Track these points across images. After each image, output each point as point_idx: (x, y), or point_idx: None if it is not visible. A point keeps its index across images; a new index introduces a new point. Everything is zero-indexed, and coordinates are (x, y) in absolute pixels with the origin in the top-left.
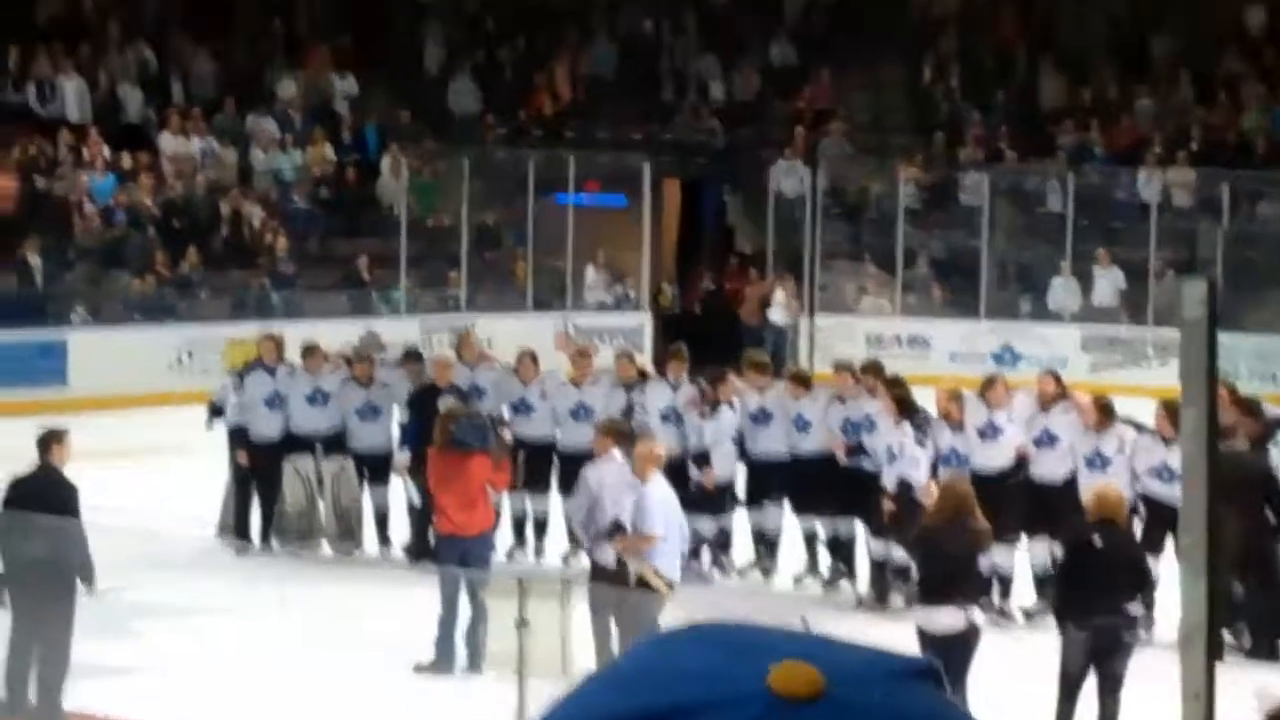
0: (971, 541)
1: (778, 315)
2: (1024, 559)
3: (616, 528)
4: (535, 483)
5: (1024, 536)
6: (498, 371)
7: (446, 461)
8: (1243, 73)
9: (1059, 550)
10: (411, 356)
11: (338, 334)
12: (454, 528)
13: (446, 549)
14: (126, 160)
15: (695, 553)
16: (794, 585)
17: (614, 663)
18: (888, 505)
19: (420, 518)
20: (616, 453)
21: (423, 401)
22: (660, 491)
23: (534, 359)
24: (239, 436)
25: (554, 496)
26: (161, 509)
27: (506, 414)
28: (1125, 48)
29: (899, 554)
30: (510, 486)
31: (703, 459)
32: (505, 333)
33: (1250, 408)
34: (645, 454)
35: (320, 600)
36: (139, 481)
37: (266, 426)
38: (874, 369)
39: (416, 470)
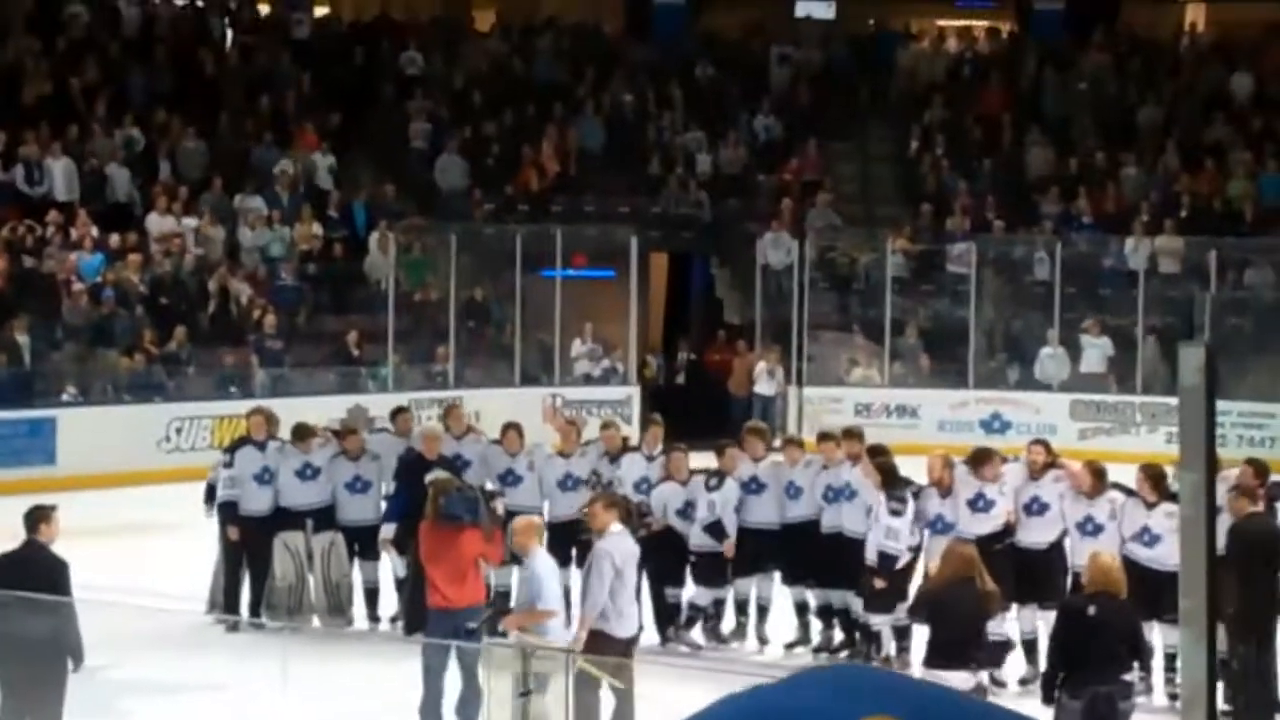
0: (980, 603)
1: (763, 386)
2: (1012, 626)
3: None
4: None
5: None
6: (484, 444)
7: (437, 535)
8: (1229, 140)
9: (1047, 617)
10: (402, 411)
11: (326, 410)
12: (444, 601)
13: (436, 623)
14: (114, 239)
15: (690, 623)
16: (785, 653)
17: (748, 692)
18: (879, 583)
19: (412, 590)
20: (617, 525)
21: (410, 473)
22: (546, 563)
23: (519, 431)
24: (229, 512)
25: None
26: (151, 586)
27: (492, 486)
28: (1111, 116)
29: (879, 621)
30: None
31: (717, 530)
32: (494, 407)
33: (1260, 470)
34: (525, 526)
35: (313, 675)
36: (128, 559)
37: (256, 502)
38: (854, 435)
39: (405, 542)
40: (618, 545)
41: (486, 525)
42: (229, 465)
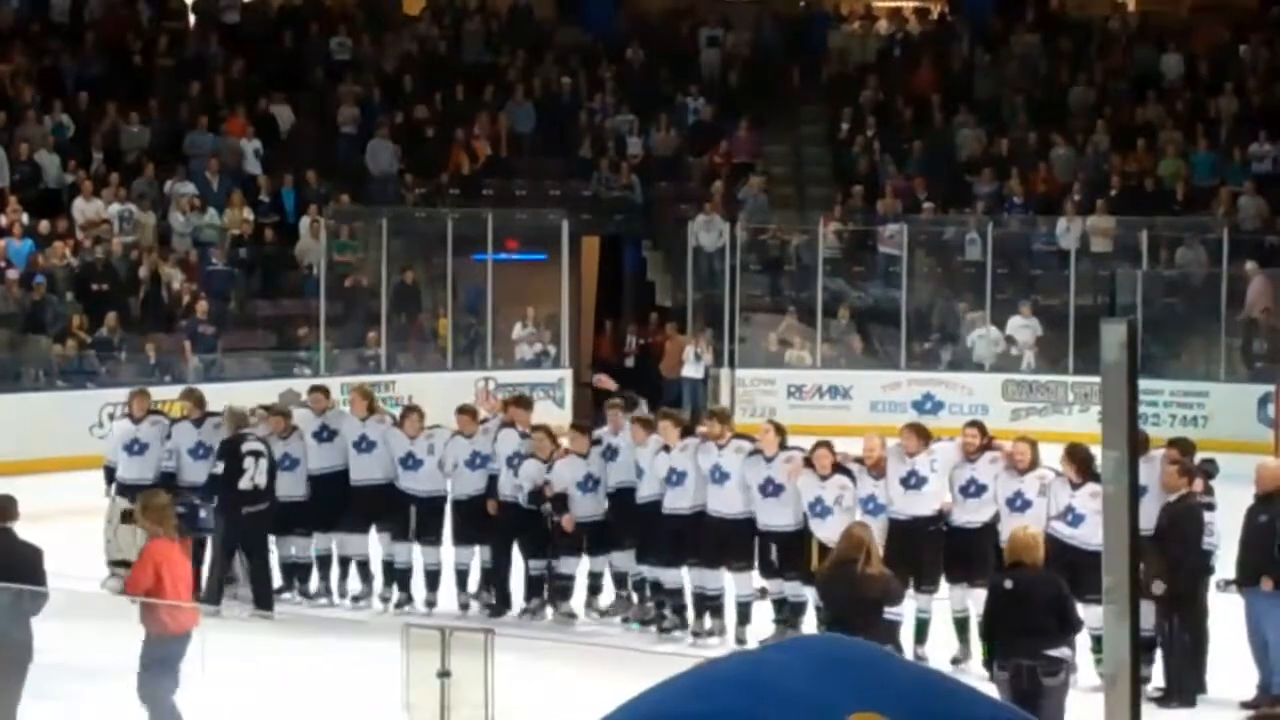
0: (856, 586)
1: (690, 369)
2: (943, 605)
3: None
4: (426, 534)
5: (944, 582)
6: (386, 425)
7: (169, 549)
8: (1159, 119)
9: (976, 595)
10: (319, 390)
11: (258, 396)
12: (165, 626)
13: (158, 650)
14: (44, 225)
15: (564, 593)
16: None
17: (708, 665)
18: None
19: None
20: None
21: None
22: None
23: (419, 414)
24: (168, 483)
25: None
26: (85, 571)
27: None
28: (1041, 97)
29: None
30: (402, 537)
31: (561, 502)
32: (426, 391)
33: (1185, 449)
34: None
35: (235, 654)
36: (61, 544)
37: (194, 474)
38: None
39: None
40: None
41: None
42: (167, 439)
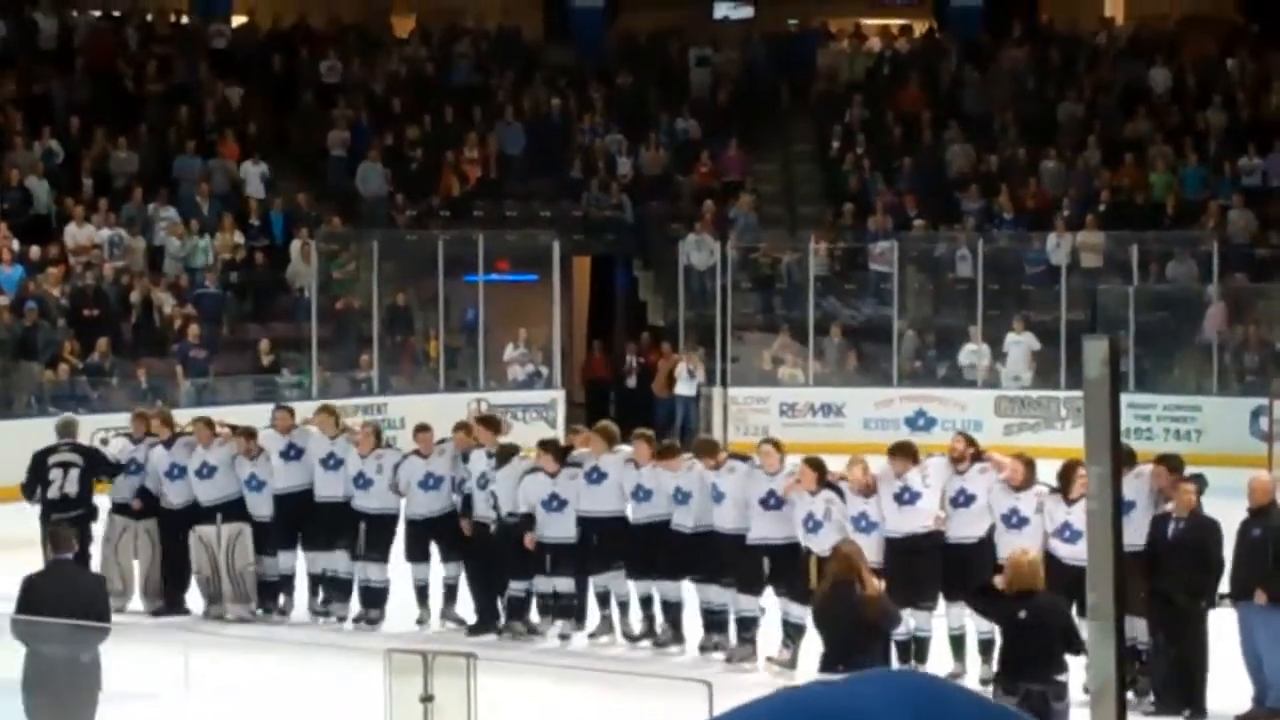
0: (857, 609)
1: (683, 387)
2: (941, 622)
3: None
4: (375, 551)
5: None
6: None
7: None
8: (1148, 134)
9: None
10: (282, 409)
11: (250, 419)
12: None
13: None
14: (35, 251)
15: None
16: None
17: (784, 693)
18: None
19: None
20: None
21: None
22: None
23: (377, 433)
24: (148, 500)
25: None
26: None
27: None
28: (1031, 112)
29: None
30: (355, 557)
31: (528, 520)
32: (418, 413)
33: (1173, 465)
34: None
35: (217, 673)
36: None
37: (173, 495)
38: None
39: None
40: None
41: None
42: (145, 461)
